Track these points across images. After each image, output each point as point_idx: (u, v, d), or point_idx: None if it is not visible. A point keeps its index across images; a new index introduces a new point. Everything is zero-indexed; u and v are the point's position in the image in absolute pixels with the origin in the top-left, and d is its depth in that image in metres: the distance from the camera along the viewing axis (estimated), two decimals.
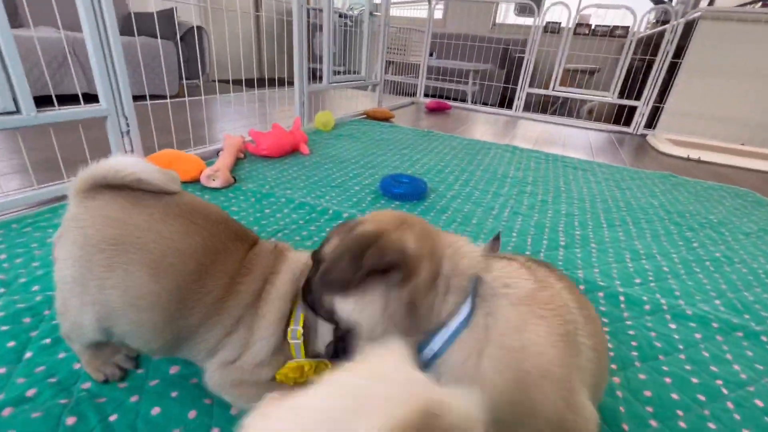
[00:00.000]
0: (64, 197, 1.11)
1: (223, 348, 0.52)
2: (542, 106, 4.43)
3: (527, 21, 6.60)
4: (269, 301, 0.53)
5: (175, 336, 0.51)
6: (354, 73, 2.67)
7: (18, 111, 1.00)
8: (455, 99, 4.25)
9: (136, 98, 1.26)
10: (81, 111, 1.14)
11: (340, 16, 5.17)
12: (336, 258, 0.44)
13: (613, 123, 3.28)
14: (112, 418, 0.54)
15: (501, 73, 4.76)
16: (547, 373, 0.39)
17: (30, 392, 0.56)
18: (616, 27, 5.49)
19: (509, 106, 3.70)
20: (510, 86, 3.83)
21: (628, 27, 5.38)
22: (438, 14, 7.05)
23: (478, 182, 1.60)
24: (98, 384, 0.58)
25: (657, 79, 2.89)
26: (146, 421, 0.54)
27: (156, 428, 0.53)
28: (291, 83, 2.03)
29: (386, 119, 2.68)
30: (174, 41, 2.86)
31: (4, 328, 0.66)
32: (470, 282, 0.43)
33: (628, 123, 3.16)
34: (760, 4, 2.91)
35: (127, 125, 1.25)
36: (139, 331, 0.50)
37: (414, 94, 3.96)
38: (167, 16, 2.84)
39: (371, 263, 0.41)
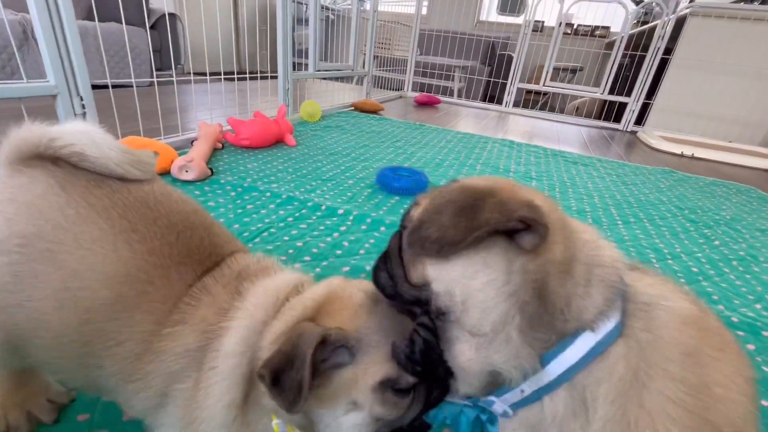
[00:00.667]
0: None
1: (158, 426, 0.36)
2: (531, 103, 4.40)
3: (509, 19, 6.62)
4: (207, 374, 0.35)
5: (96, 384, 0.37)
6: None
7: None
8: (442, 94, 4.15)
9: (97, 87, 1.08)
10: (22, 87, 0.95)
11: (323, 8, 5.01)
12: (436, 209, 0.31)
13: (601, 119, 3.25)
14: None
15: (484, 69, 4.73)
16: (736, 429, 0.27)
17: None
18: (597, 27, 5.54)
19: (494, 101, 3.63)
20: (493, 80, 3.78)
21: (608, 27, 5.45)
22: (422, 10, 6.98)
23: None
24: None
25: (647, 76, 2.87)
26: None
27: None
28: (273, 77, 1.86)
29: (375, 111, 2.54)
30: (144, 28, 2.63)
31: None
32: (620, 279, 0.31)
33: (617, 119, 3.13)
34: (759, 1, 2.91)
35: (83, 107, 1.07)
36: (55, 364, 0.37)
37: (400, 89, 3.84)
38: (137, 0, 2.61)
39: (492, 220, 0.28)
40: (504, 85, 3.55)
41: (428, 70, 4.54)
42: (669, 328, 0.30)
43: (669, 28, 2.74)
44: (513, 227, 0.29)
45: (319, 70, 2.12)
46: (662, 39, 2.76)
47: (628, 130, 3.06)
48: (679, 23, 2.73)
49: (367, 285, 0.39)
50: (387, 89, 3.88)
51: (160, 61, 2.84)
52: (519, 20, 6.67)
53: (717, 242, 1.14)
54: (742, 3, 2.81)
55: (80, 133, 0.37)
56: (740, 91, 2.70)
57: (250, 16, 3.86)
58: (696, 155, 2.31)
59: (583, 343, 0.29)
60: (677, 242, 1.11)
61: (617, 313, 0.30)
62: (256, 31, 3.63)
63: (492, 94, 5.06)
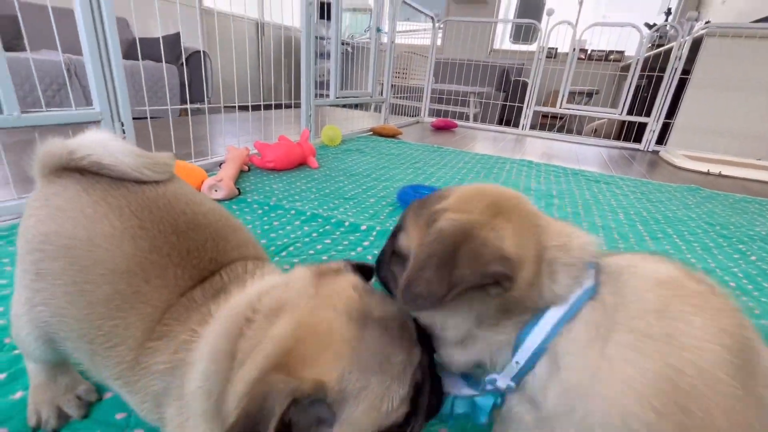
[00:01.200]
0: None
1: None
2: (548, 126, 4.43)
3: (523, 47, 6.77)
4: (181, 408, 0.32)
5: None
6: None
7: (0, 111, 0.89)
8: (457, 119, 4.25)
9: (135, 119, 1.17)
10: (71, 114, 1.04)
11: (342, 43, 5.27)
12: (420, 266, 0.33)
13: (620, 140, 3.23)
14: None
15: (498, 95, 4.84)
16: (710, 378, 0.28)
17: None
18: (611, 51, 5.61)
19: (509, 125, 3.67)
20: (508, 104, 3.84)
21: (623, 51, 5.50)
22: (437, 41, 7.23)
23: None
24: None
25: (666, 96, 2.86)
26: None
27: None
28: (297, 105, 1.95)
29: (393, 136, 2.60)
30: (177, 65, 2.83)
31: None
32: (591, 256, 0.35)
33: (637, 140, 3.10)
34: None
35: (123, 132, 1.15)
36: (79, 360, 0.38)
37: (416, 115, 3.93)
38: (172, 41, 2.81)
39: (467, 278, 0.32)
40: (519, 109, 3.59)
41: (443, 97, 4.68)
42: (637, 290, 0.32)
43: (685, 50, 2.74)
44: (485, 283, 0.32)
45: (339, 97, 2.21)
46: (679, 60, 2.76)
47: (650, 150, 3.02)
48: (696, 44, 2.74)
49: (347, 292, 0.34)
50: (404, 115, 3.98)
51: (191, 93, 3.03)
52: (533, 47, 6.83)
53: (753, 257, 1.09)
54: (759, 22, 2.81)
55: (95, 142, 0.40)
56: (763, 107, 2.65)
57: (273, 51, 4.08)
58: (723, 173, 2.25)
59: (554, 314, 0.33)
60: (710, 257, 1.07)
61: (589, 283, 0.33)
62: (281, 66, 3.83)
63: (507, 118, 5.12)
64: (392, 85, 5.23)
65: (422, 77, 5.80)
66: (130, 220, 0.37)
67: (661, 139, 2.98)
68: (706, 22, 3.02)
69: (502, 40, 6.92)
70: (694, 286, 0.33)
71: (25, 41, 1.02)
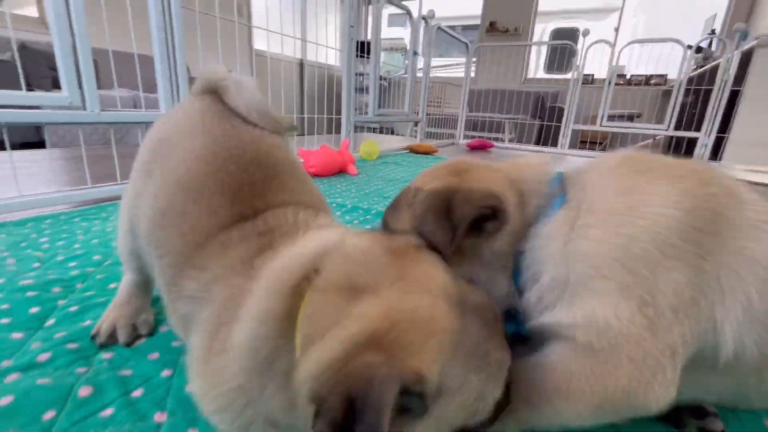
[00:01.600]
0: (114, 198, 1.08)
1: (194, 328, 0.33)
2: (588, 143, 4.35)
3: (556, 75, 6.80)
4: (197, 328, 0.33)
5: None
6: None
7: (84, 107, 1.01)
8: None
9: None
10: (140, 114, 1.15)
11: (380, 78, 5.55)
12: (419, 222, 0.38)
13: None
14: (136, 393, 0.41)
15: (533, 122, 4.87)
16: (661, 241, 0.30)
17: (43, 357, 0.44)
18: (651, 76, 5.49)
19: (547, 145, 3.64)
20: (546, 123, 3.82)
21: (665, 75, 5.36)
22: (471, 73, 7.44)
23: None
24: (123, 354, 0.46)
25: (717, 110, 2.73)
26: (179, 399, 0.41)
27: (190, 409, 0.39)
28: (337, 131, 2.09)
29: (429, 153, 2.64)
30: None
31: (31, 294, 0.57)
32: (548, 174, 0.41)
33: (688, 155, 2.94)
34: None
35: None
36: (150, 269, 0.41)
37: (451, 138, 3.98)
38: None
39: (466, 214, 0.36)
40: (557, 129, 3.56)
41: (477, 124, 4.77)
42: (597, 179, 0.37)
43: (734, 63, 2.64)
44: (482, 213, 0.37)
45: (378, 114, 2.30)
46: (728, 72, 2.66)
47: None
48: (746, 56, 2.63)
49: (439, 275, 0.30)
50: (439, 139, 4.05)
51: None
52: (568, 75, 6.82)
53: None
54: None
55: (238, 80, 0.46)
56: None
57: (313, 85, 4.37)
58: None
59: (536, 230, 0.38)
60: None
61: (557, 192, 0.39)
62: (324, 100, 4.07)
63: (545, 140, 5.07)
64: (427, 114, 5.41)
65: (456, 106, 5.93)
66: (214, 144, 0.39)
67: (714, 155, 2.82)
68: (756, 38, 2.90)
69: (536, 70, 7.00)
70: (650, 158, 0.37)
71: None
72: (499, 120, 5.06)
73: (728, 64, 2.66)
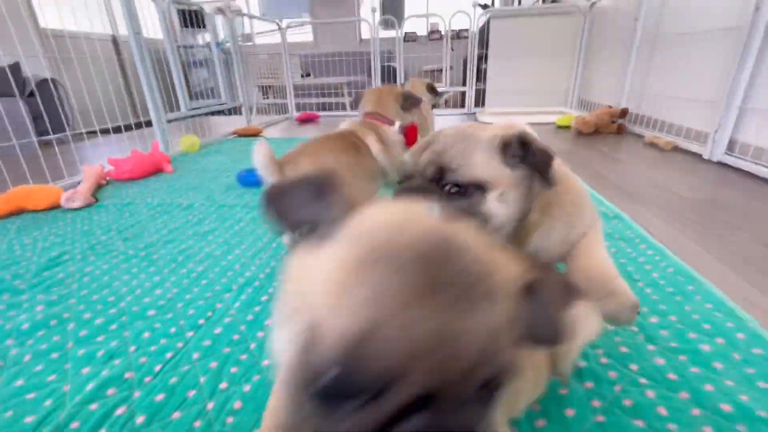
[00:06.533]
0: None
1: None
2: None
3: (388, 34, 7.44)
4: None
5: None
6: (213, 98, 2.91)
7: None
8: (336, 110, 4.76)
9: None
10: None
11: (218, 46, 5.34)
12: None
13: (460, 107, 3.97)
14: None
15: (371, 81, 5.43)
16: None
17: None
18: (462, 30, 6.51)
19: None
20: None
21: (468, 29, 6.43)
22: (309, 37, 7.59)
23: None
24: None
25: (473, 68, 3.62)
26: None
27: None
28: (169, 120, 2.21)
29: (256, 134, 2.95)
30: (24, 97, 2.80)
31: None
32: None
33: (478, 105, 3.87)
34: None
35: None
36: None
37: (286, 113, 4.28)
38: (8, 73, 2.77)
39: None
40: None
41: (322, 91, 5.12)
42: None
43: (476, 31, 3.50)
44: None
45: (191, 109, 2.49)
46: (475, 38, 3.52)
47: (471, 112, 3.79)
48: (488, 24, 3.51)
49: None
50: (278, 113, 4.30)
51: (48, 123, 3.00)
52: (394, 33, 7.50)
53: None
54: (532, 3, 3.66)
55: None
56: (540, 68, 3.52)
57: (134, 68, 4.08)
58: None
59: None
60: None
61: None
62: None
63: None
64: (268, 87, 5.51)
65: (295, 75, 6.13)
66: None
67: (480, 103, 3.77)
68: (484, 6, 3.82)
69: (372, 29, 7.50)
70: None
71: None
72: (338, 84, 5.48)
73: (474, 32, 3.51)
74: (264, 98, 5.41)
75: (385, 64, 6.04)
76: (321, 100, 5.22)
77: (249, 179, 1.62)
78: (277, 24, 3.67)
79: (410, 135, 1.29)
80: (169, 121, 2.37)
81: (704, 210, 1.22)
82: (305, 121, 3.67)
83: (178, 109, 2.44)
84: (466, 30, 6.31)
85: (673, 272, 0.86)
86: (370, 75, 5.68)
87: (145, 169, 1.83)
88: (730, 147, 1.70)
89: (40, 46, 2.77)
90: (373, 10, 3.76)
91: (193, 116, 2.49)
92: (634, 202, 1.31)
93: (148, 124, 2.24)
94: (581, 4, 3.29)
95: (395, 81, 4.22)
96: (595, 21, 3.19)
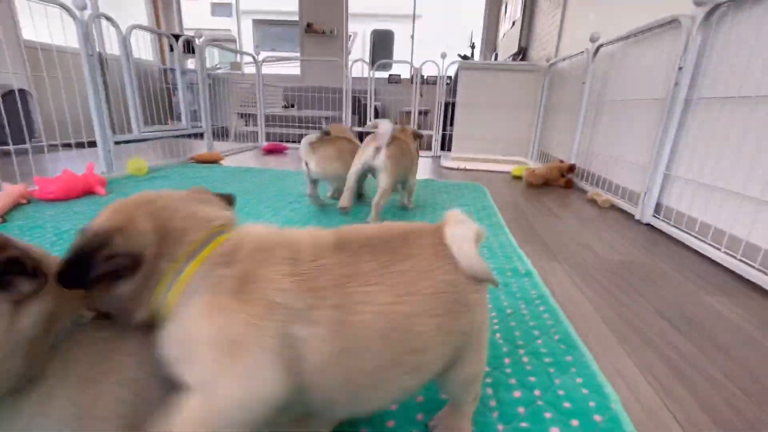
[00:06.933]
0: None
1: None
2: None
3: (376, 74, 7.74)
4: None
5: None
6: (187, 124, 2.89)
7: None
8: None
9: None
10: None
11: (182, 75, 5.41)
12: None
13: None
14: None
15: (355, 118, 5.60)
16: None
17: None
18: (430, 76, 6.83)
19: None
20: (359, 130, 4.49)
21: (452, 76, 6.77)
22: (296, 71, 7.83)
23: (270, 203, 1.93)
24: None
25: (440, 114, 3.75)
26: None
27: None
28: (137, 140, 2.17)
29: (214, 161, 2.92)
30: None
31: None
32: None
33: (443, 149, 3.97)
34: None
35: None
36: None
37: (255, 141, 4.30)
38: None
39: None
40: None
41: (304, 124, 5.22)
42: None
43: (443, 79, 3.64)
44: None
45: (144, 131, 2.46)
46: (443, 87, 3.67)
47: (436, 155, 3.87)
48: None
49: None
50: (250, 141, 4.29)
51: (12, 134, 2.92)
52: (383, 74, 7.81)
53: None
54: (491, 60, 3.87)
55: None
56: (504, 119, 3.67)
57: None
58: (468, 167, 3.09)
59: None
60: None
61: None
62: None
63: (362, 138, 5.81)
64: (249, 115, 5.56)
65: (275, 105, 6.23)
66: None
67: (446, 147, 3.87)
68: (464, 56, 4.03)
69: (362, 69, 7.83)
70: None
71: None
72: (319, 117, 5.57)
73: (442, 81, 3.66)
74: (245, 126, 5.47)
75: (365, 102, 6.23)
76: (302, 131, 5.32)
77: None
78: (253, 57, 3.76)
79: None
80: (119, 143, 2.33)
81: (616, 272, 1.23)
82: (271, 151, 3.68)
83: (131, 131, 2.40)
84: (450, 77, 6.65)
85: (558, 340, 0.84)
86: (354, 112, 5.85)
87: (73, 190, 1.76)
88: (658, 210, 1.75)
89: (18, 57, 2.76)
90: (348, 53, 3.89)
91: (145, 140, 2.45)
92: (552, 260, 1.31)
93: (124, 141, 2.21)
94: (542, 64, 3.49)
95: (367, 119, 4.32)
96: (553, 79, 3.37)
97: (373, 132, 1.54)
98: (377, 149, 1.48)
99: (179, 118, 3.20)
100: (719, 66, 1.46)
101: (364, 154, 1.50)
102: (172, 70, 4.77)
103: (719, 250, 1.33)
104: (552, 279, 1.16)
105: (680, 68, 1.59)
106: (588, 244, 1.48)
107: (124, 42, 2.24)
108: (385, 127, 1.47)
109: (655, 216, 1.74)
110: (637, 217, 1.82)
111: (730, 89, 1.39)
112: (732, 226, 1.32)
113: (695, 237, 1.47)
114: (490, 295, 1.00)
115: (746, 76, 1.32)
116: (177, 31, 6.98)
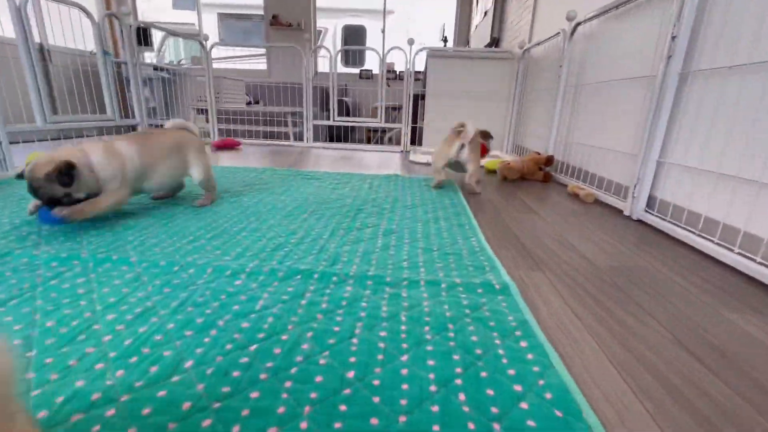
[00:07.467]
0: None
1: None
2: (378, 139, 4.98)
3: (344, 69, 7.43)
4: None
5: None
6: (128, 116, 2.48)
7: None
8: (280, 139, 4.52)
9: None
10: None
11: (155, 69, 4.97)
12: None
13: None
14: None
15: (323, 113, 5.25)
16: None
17: None
18: (417, 72, 6.59)
19: (340, 141, 3.96)
20: (328, 123, 4.16)
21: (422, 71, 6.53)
22: (263, 66, 7.43)
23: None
24: None
25: (409, 105, 3.47)
26: None
27: None
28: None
29: None
30: None
31: None
32: None
33: (414, 143, 3.68)
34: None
35: None
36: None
37: (233, 137, 3.91)
38: None
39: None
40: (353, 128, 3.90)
41: (268, 118, 4.85)
42: None
43: (412, 69, 3.36)
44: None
45: (52, 122, 2.05)
46: (411, 77, 3.39)
47: (405, 150, 3.60)
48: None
49: None
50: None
51: None
52: (355, 70, 7.51)
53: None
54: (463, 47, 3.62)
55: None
56: (477, 110, 3.43)
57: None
58: (428, 161, 2.82)
59: None
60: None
61: None
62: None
63: (337, 135, 5.53)
64: (202, 110, 5.13)
65: (240, 100, 5.81)
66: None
67: (417, 141, 3.60)
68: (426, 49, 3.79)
69: (325, 63, 7.49)
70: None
71: None
72: (284, 113, 5.21)
73: (410, 68, 3.39)
74: (207, 123, 5.08)
75: (339, 98, 5.94)
76: (268, 128, 4.96)
77: (50, 218, 1.21)
78: (201, 44, 3.37)
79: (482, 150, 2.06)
80: (17, 135, 1.92)
81: (612, 282, 0.97)
82: (222, 147, 3.30)
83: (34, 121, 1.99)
84: (419, 72, 6.41)
85: (552, 401, 0.55)
86: (324, 108, 5.52)
87: None
88: (650, 204, 1.52)
89: None
90: (312, 45, 3.59)
91: (62, 129, 2.04)
92: (534, 268, 1.04)
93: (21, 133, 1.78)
94: (515, 51, 3.27)
95: (349, 115, 3.98)
96: (528, 67, 3.16)
97: (461, 130, 1.82)
98: (462, 145, 1.80)
99: (131, 115, 2.82)
100: (724, 29, 1.23)
101: (452, 150, 1.82)
102: (124, 63, 4.32)
103: (732, 251, 1.10)
104: (535, 295, 0.88)
105: (674, 38, 1.36)
106: (574, 247, 1.22)
107: (19, 14, 1.84)
108: (470, 128, 1.79)
109: (647, 211, 1.51)
110: (626, 212, 1.59)
111: (739, 56, 1.16)
112: (747, 222, 1.09)
113: (701, 236, 1.23)
114: (453, 334, 0.71)
115: (760, 38, 1.09)
116: (132, 21, 6.45)
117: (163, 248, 1.04)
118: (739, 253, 1.08)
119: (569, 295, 0.90)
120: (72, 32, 2.42)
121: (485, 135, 2.10)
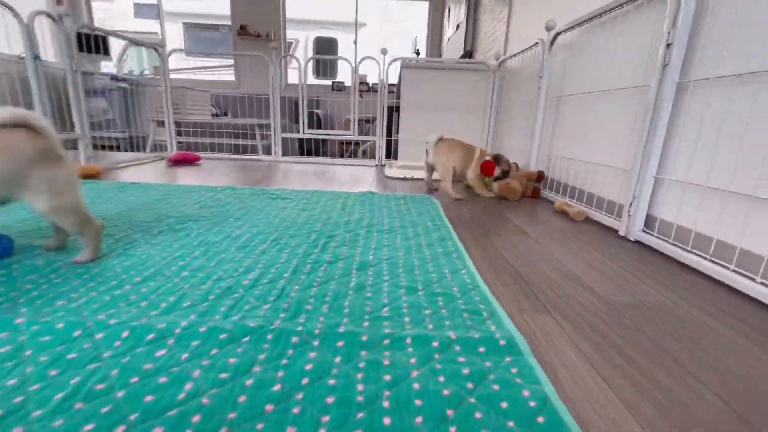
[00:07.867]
0: None
1: None
2: (351, 152, 4.75)
3: (316, 81, 7.25)
4: None
5: None
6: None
7: None
8: (247, 152, 4.25)
9: None
10: None
11: (113, 78, 4.58)
12: None
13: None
14: None
15: (293, 125, 5.04)
16: None
17: None
18: (391, 84, 6.49)
19: (311, 154, 3.74)
20: (301, 136, 3.93)
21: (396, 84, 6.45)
22: (231, 77, 7.15)
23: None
24: None
25: (383, 118, 3.31)
26: None
27: None
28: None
29: (93, 176, 2.24)
30: None
31: None
32: None
33: (389, 157, 3.51)
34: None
35: None
36: None
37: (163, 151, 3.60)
38: None
39: None
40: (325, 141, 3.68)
41: (235, 131, 4.59)
42: None
43: (386, 80, 3.23)
44: None
45: None
46: (385, 88, 3.24)
47: (380, 164, 3.43)
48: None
49: None
50: (163, 150, 3.59)
51: None
52: (327, 82, 7.34)
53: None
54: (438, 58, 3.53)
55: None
56: (453, 122, 3.31)
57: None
58: (414, 176, 2.66)
59: None
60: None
61: None
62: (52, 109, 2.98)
63: (308, 148, 5.29)
64: (161, 122, 4.79)
65: (203, 111, 5.49)
66: None
67: (392, 155, 3.44)
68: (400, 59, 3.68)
69: (303, 73, 7.31)
70: None
71: None
72: (251, 125, 4.94)
73: (384, 78, 3.24)
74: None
75: (311, 110, 5.76)
76: (236, 141, 4.67)
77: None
78: (156, 50, 3.10)
79: (486, 166, 2.12)
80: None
81: (635, 326, 0.81)
82: (179, 162, 3.01)
83: None
84: (393, 85, 6.33)
85: None
86: (294, 120, 5.29)
87: None
88: (649, 224, 1.40)
89: None
90: (282, 52, 3.40)
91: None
92: (539, 310, 0.87)
93: None
94: (491, 62, 3.19)
95: (320, 127, 3.77)
96: (504, 79, 3.08)
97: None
98: (426, 152, 2.17)
99: (93, 127, 2.49)
100: (727, 34, 1.13)
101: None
102: (89, 73, 3.96)
103: (755, 281, 0.97)
104: (549, 352, 0.71)
105: (668, 45, 1.26)
106: (578, 277, 1.06)
107: None
108: (433, 137, 2.13)
109: (645, 231, 1.38)
110: (621, 232, 1.46)
111: (748, 63, 1.05)
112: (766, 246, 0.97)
113: (714, 262, 1.10)
114: (454, 428, 0.52)
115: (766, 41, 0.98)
116: (69, 24, 6.06)
117: (69, 300, 0.80)
118: (762, 283, 0.95)
119: (590, 348, 0.73)
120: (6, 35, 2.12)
121: (497, 158, 2.15)
